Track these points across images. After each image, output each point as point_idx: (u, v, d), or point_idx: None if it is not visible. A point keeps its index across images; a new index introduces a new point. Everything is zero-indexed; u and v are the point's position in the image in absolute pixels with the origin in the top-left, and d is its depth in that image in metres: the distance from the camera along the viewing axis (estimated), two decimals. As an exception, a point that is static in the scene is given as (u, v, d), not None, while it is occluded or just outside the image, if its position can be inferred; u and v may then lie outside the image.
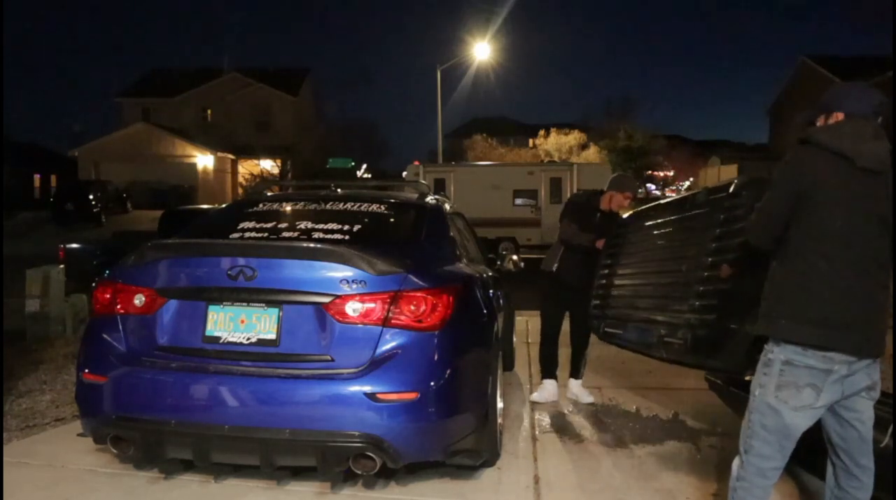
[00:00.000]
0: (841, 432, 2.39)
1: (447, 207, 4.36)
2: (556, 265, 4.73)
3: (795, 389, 2.25)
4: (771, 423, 2.30)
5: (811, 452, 3.51)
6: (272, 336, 2.99)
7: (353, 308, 2.95)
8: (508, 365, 5.39)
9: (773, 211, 2.32)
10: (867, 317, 2.23)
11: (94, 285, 3.34)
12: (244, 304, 3.04)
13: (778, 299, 2.29)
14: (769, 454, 2.32)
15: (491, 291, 4.04)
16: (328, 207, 3.94)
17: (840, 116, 2.33)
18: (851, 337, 2.20)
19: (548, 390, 4.74)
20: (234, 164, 35.58)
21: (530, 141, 42.43)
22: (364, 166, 41.22)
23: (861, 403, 2.34)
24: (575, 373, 4.84)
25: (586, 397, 4.76)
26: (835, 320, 2.20)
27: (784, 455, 2.33)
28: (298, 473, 3.26)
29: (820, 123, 2.40)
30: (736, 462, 2.44)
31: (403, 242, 3.54)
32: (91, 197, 25.25)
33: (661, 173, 59.62)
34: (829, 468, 2.48)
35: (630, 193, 4.77)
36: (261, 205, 4.04)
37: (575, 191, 15.83)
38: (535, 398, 4.70)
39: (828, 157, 2.22)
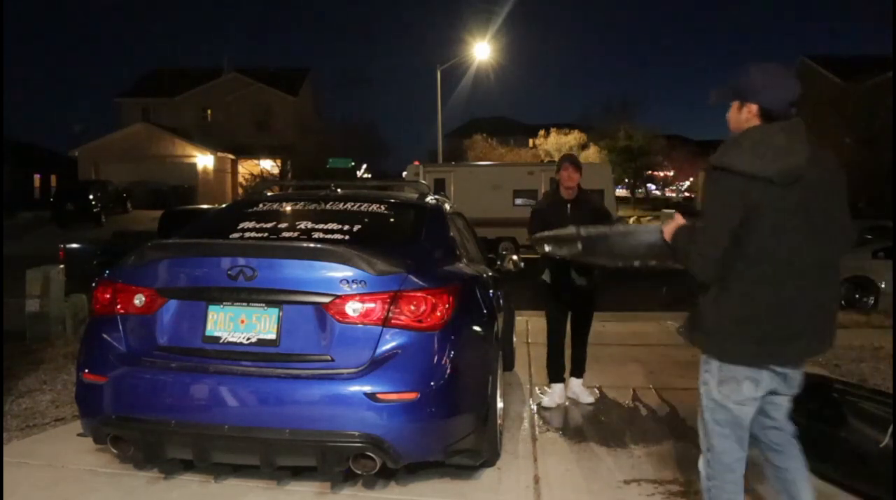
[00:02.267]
0: (777, 421, 2.46)
1: (447, 207, 4.36)
2: (548, 276, 4.71)
3: (736, 383, 2.30)
4: (722, 418, 2.36)
5: (811, 451, 3.52)
6: (272, 336, 2.99)
7: (353, 308, 2.95)
8: (508, 365, 5.39)
9: (711, 246, 2.22)
10: (812, 325, 2.26)
11: (94, 285, 3.34)
12: (244, 304, 3.04)
13: (707, 313, 2.31)
14: (730, 447, 2.37)
15: (491, 291, 4.04)
16: (328, 207, 3.94)
17: (754, 108, 2.25)
18: (793, 350, 2.25)
19: (557, 393, 4.74)
20: (234, 164, 35.60)
21: (530, 141, 42.46)
22: (364, 166, 41.22)
23: (782, 398, 2.42)
24: (576, 372, 4.84)
25: (586, 397, 4.76)
26: (775, 337, 2.22)
27: (743, 446, 2.37)
28: (298, 473, 3.26)
29: (733, 107, 2.32)
30: (702, 463, 2.48)
31: (403, 243, 3.53)
32: (91, 197, 25.27)
33: (661, 173, 59.63)
34: (763, 452, 2.54)
35: (567, 165, 4.63)
36: (261, 205, 4.04)
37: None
38: (546, 403, 4.67)
39: (746, 181, 2.14)
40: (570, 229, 3.03)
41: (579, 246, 2.96)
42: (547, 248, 3.17)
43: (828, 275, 2.28)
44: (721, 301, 2.26)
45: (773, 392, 2.35)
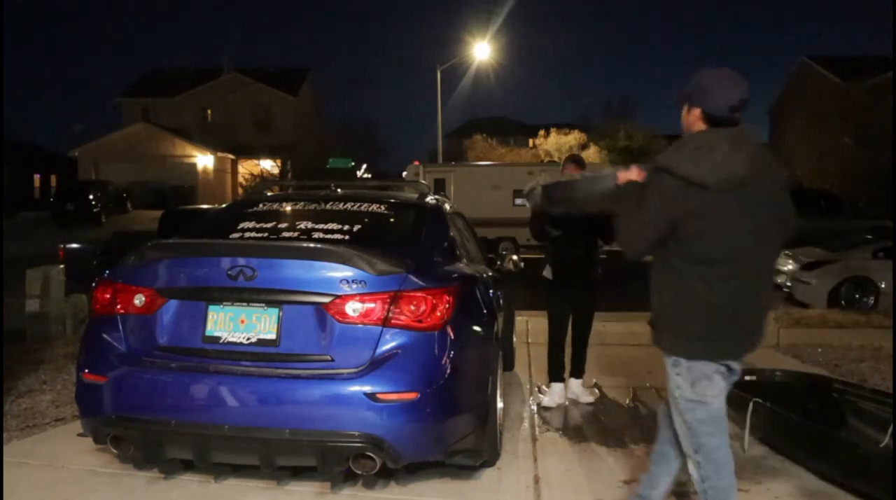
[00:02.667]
0: None
1: (447, 207, 4.36)
2: (550, 271, 4.71)
3: (707, 380, 2.36)
4: (703, 415, 2.39)
5: (811, 451, 3.53)
6: (272, 336, 2.99)
7: (353, 308, 2.95)
8: (508, 365, 5.39)
9: (646, 234, 2.30)
10: (750, 324, 2.35)
11: (94, 285, 3.34)
12: (244, 304, 3.04)
13: (663, 315, 2.40)
14: (717, 443, 2.41)
15: (491, 291, 4.04)
16: (328, 207, 3.94)
17: (698, 112, 2.32)
18: (732, 347, 2.35)
19: (557, 393, 4.74)
20: (234, 164, 35.60)
21: (530, 141, 42.40)
22: (364, 166, 41.23)
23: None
24: (576, 372, 4.83)
25: (586, 397, 4.76)
26: (715, 335, 2.31)
27: (725, 434, 2.43)
28: (298, 473, 3.26)
29: (684, 110, 2.39)
30: (691, 467, 2.49)
31: (403, 243, 3.53)
32: (91, 197, 25.26)
33: (661, 173, 59.56)
34: (661, 434, 2.66)
35: (569, 164, 4.64)
36: (261, 205, 4.04)
37: None
38: (546, 403, 4.67)
39: (685, 186, 2.19)
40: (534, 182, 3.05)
41: (539, 193, 2.98)
42: (528, 204, 3.24)
43: (767, 276, 2.41)
44: (675, 303, 2.35)
45: None
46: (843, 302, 9.10)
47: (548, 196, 2.98)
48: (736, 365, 2.41)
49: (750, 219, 2.24)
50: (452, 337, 3.04)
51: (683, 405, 2.41)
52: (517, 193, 18.19)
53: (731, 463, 2.44)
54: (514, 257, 5.23)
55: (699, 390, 2.36)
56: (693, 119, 2.35)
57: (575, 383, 4.83)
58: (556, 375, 4.75)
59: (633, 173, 2.49)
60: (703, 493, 2.46)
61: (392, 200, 4.11)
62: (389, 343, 2.94)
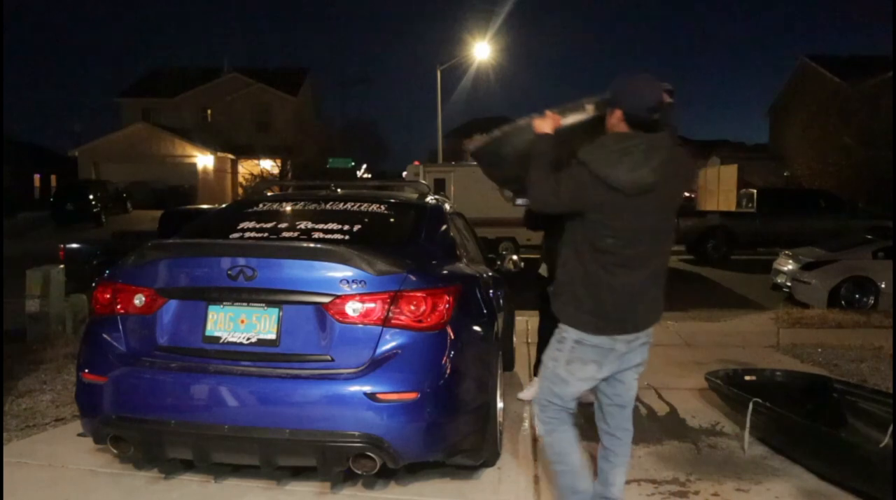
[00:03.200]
0: (609, 399, 2.76)
1: (447, 207, 4.36)
2: (545, 268, 4.70)
3: (582, 363, 2.59)
4: (559, 390, 2.67)
5: (811, 451, 3.53)
6: (272, 336, 3.00)
7: (353, 308, 2.95)
8: (508, 365, 5.39)
9: (555, 204, 2.53)
10: (638, 308, 2.55)
11: (94, 285, 3.34)
12: (244, 304, 3.04)
13: (565, 290, 2.62)
14: (557, 414, 2.69)
15: (491, 291, 4.04)
16: (328, 207, 3.94)
17: (618, 113, 2.48)
18: (623, 325, 2.55)
19: (535, 388, 4.71)
20: (234, 164, 35.59)
21: (530, 141, 42.25)
22: (364, 166, 41.20)
23: (629, 376, 2.71)
24: None
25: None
26: (609, 313, 2.52)
27: (569, 408, 2.71)
28: (298, 473, 3.26)
29: (609, 111, 2.54)
30: (538, 424, 2.78)
31: (403, 242, 3.53)
32: (91, 197, 25.27)
33: (661, 173, 59.53)
34: (599, 429, 2.83)
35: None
36: (261, 205, 4.03)
37: None
38: (521, 396, 4.66)
39: (603, 184, 2.39)
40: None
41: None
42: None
43: (659, 269, 2.59)
44: (575, 280, 2.57)
45: (615, 373, 2.66)
46: (843, 302, 9.09)
47: (480, 161, 3.10)
48: (634, 343, 2.59)
49: (650, 218, 2.46)
50: (452, 337, 3.04)
51: (549, 374, 2.69)
52: (517, 194, 18.18)
53: (571, 422, 2.72)
54: (514, 257, 5.23)
55: (571, 369, 2.61)
56: (615, 120, 2.51)
57: None
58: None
59: (547, 123, 2.67)
60: (548, 446, 2.76)
61: (392, 200, 4.11)
62: (389, 343, 2.94)
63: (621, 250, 2.46)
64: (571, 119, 2.73)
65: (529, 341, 6.56)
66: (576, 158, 2.45)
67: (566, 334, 2.62)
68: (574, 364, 2.60)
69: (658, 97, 2.43)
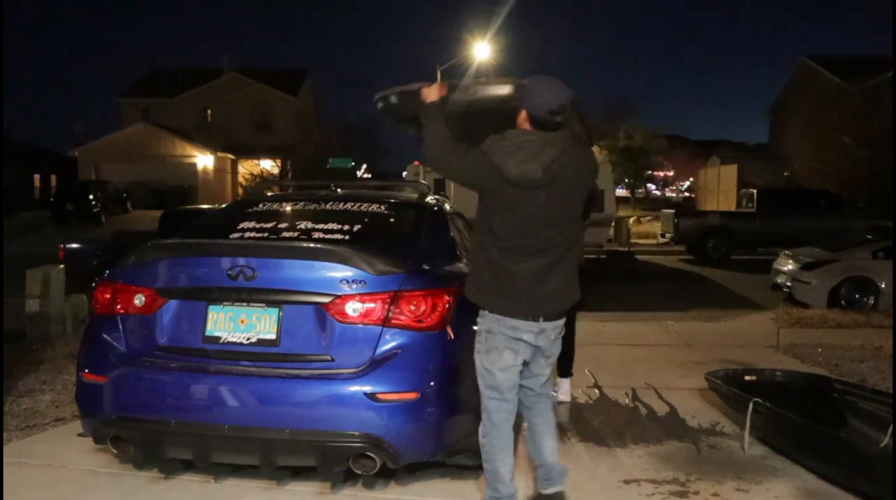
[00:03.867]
0: (531, 390, 2.91)
1: (447, 207, 4.36)
2: None
3: (497, 352, 2.72)
4: (489, 382, 2.77)
5: (811, 451, 3.53)
6: (272, 336, 3.00)
7: (353, 308, 2.95)
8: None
9: (452, 165, 2.71)
10: (537, 294, 2.67)
11: (94, 285, 3.34)
12: (244, 304, 3.04)
13: (474, 275, 2.79)
14: (497, 406, 2.78)
15: (491, 291, 4.03)
16: (328, 207, 3.94)
17: (524, 113, 2.65)
18: (524, 308, 2.66)
19: (567, 386, 4.77)
20: (234, 164, 35.57)
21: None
22: (364, 166, 41.17)
23: (538, 366, 2.85)
24: (562, 371, 4.83)
25: (564, 396, 4.73)
26: (510, 295, 2.66)
27: (508, 406, 2.80)
28: (298, 473, 3.26)
29: (518, 111, 2.68)
30: (480, 426, 2.86)
31: (403, 242, 3.53)
32: (91, 197, 25.25)
33: (661, 173, 59.60)
34: (525, 415, 2.98)
35: None
36: (261, 205, 4.03)
37: None
38: (560, 398, 4.68)
39: (497, 173, 2.58)
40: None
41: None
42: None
43: (558, 259, 2.70)
44: (483, 266, 2.73)
45: (531, 364, 2.81)
46: (843, 302, 9.09)
47: (387, 115, 3.33)
48: (540, 334, 2.71)
49: (543, 211, 2.61)
50: (452, 337, 3.05)
51: (478, 369, 2.80)
52: None
53: (510, 425, 2.82)
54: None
55: (489, 359, 2.74)
56: (521, 119, 2.68)
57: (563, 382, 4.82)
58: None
59: (433, 92, 2.85)
60: (482, 447, 2.84)
61: (392, 200, 4.11)
62: (389, 343, 2.95)
63: (514, 239, 2.63)
64: (491, 91, 2.94)
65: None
66: (481, 148, 2.64)
67: (480, 325, 2.79)
68: (492, 354, 2.73)
69: (559, 101, 2.58)
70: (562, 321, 2.81)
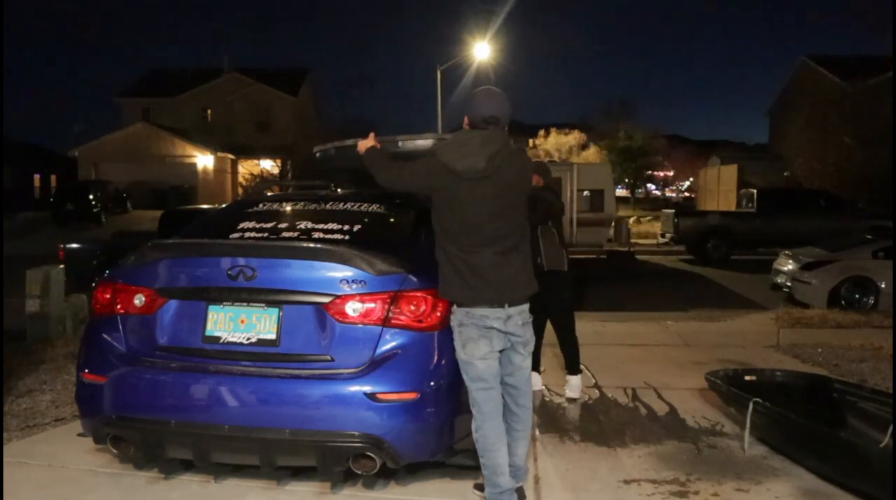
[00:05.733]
0: (505, 381, 2.96)
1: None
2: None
3: (473, 343, 2.83)
4: (472, 374, 2.86)
5: (811, 451, 3.53)
6: (272, 336, 3.00)
7: (353, 308, 2.95)
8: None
9: (399, 182, 3.02)
10: (495, 282, 2.83)
11: (94, 285, 3.34)
12: (244, 304, 3.04)
13: (441, 273, 2.92)
14: (485, 396, 2.87)
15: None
16: (328, 207, 3.94)
17: (466, 118, 2.95)
18: (484, 295, 2.82)
19: (578, 382, 4.83)
20: (234, 164, 35.56)
21: (530, 141, 42.39)
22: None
23: (517, 357, 2.94)
24: (569, 368, 4.84)
25: (572, 392, 4.76)
26: (472, 285, 2.82)
27: (495, 394, 2.90)
28: (298, 473, 3.26)
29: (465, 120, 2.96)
30: (472, 421, 2.93)
31: (403, 242, 3.53)
32: (91, 197, 25.23)
33: (661, 173, 59.62)
34: (504, 409, 3.00)
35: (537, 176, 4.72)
36: (261, 205, 4.03)
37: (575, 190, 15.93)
38: (569, 395, 4.75)
39: (446, 169, 2.82)
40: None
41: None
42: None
43: (509, 248, 2.87)
44: (442, 261, 2.91)
45: (504, 349, 2.90)
46: (843, 302, 9.08)
47: (325, 162, 3.97)
48: (508, 320, 2.84)
49: (488, 202, 2.81)
50: (452, 337, 3.04)
51: (460, 363, 2.89)
52: None
53: (499, 415, 2.92)
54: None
55: (468, 351, 2.84)
56: (464, 124, 2.97)
57: (573, 379, 4.83)
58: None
59: (367, 143, 3.21)
60: (476, 442, 2.91)
61: (392, 200, 4.10)
62: (389, 343, 2.95)
63: (464, 231, 2.83)
64: (417, 144, 3.44)
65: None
66: (431, 154, 2.95)
67: (452, 321, 2.90)
68: (468, 346, 2.84)
69: (493, 111, 2.88)
70: (526, 306, 2.95)
